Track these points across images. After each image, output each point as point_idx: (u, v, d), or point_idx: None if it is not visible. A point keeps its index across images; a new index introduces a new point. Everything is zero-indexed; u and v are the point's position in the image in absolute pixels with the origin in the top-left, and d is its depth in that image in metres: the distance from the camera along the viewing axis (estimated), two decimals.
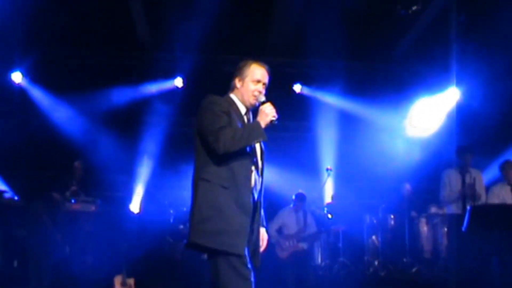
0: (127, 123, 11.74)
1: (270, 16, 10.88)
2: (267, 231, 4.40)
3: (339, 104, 12.11)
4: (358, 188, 11.49)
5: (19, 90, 11.54)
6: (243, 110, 4.24)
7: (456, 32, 10.18)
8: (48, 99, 11.56)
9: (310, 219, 9.97)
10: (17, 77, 11.46)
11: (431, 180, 9.76)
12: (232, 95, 4.27)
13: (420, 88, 11.48)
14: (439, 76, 10.89)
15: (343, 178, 11.39)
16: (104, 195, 10.09)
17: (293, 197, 9.91)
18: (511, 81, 9.61)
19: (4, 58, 10.88)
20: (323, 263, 10.08)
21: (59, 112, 11.52)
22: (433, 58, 10.88)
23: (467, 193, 7.96)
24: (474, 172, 8.20)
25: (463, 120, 10.42)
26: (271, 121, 4.05)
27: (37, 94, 11.59)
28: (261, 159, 4.24)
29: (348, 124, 12.00)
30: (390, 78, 12.32)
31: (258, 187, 4.19)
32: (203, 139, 4.04)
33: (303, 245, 9.69)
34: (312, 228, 9.92)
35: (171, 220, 10.81)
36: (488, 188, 8.38)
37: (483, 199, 8.13)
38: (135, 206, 11.22)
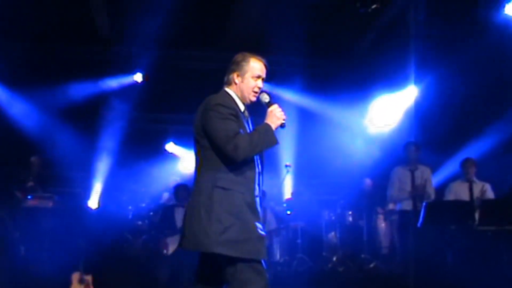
0: (86, 118, 11.61)
1: (230, 12, 10.84)
2: None
3: (299, 101, 12.16)
4: (317, 184, 11.59)
5: None
6: (241, 106, 4.10)
7: (415, 30, 10.32)
8: (4, 93, 11.33)
9: (269, 216, 9.98)
10: None
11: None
12: (230, 91, 4.10)
13: (380, 86, 11.58)
14: (398, 74, 11.02)
15: (302, 174, 11.47)
16: (62, 191, 9.92)
17: None
18: (469, 79, 9.76)
19: None
20: (282, 259, 10.09)
21: (15, 107, 11.30)
22: (392, 56, 10.99)
23: (418, 194, 8.24)
24: (422, 168, 8.47)
25: (421, 117, 10.55)
26: (281, 124, 4.02)
27: None
28: (261, 157, 4.13)
29: (307, 120, 12.07)
30: (349, 75, 12.39)
31: (261, 187, 4.12)
32: (215, 145, 3.86)
33: None
34: (272, 225, 9.94)
35: (130, 216, 10.76)
36: (446, 185, 8.58)
37: (432, 197, 8.41)
38: (93, 202, 11.14)
